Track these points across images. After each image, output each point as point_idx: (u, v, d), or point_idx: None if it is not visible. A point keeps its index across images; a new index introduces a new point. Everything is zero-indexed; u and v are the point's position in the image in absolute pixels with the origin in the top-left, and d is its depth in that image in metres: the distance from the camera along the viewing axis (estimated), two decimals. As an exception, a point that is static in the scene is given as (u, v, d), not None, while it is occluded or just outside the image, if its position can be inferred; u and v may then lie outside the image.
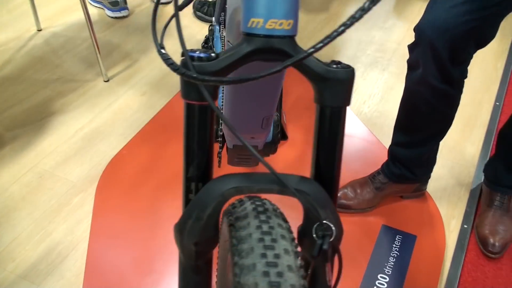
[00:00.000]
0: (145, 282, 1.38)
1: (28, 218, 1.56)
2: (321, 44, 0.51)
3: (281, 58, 0.59)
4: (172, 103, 2.01)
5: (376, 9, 2.79)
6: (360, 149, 1.86)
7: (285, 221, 0.64)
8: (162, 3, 2.72)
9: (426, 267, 1.48)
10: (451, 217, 1.66)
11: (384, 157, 1.63)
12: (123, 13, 2.56)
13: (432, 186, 1.71)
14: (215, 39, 1.61)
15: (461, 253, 1.57)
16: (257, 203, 0.66)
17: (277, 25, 0.57)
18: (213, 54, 0.58)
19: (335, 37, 0.50)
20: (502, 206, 1.59)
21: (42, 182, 1.68)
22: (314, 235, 0.60)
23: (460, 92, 1.32)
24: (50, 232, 1.52)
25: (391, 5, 2.89)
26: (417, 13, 2.80)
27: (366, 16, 2.72)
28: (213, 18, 1.65)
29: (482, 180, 1.74)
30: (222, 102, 1.49)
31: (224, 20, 1.57)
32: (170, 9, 2.68)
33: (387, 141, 1.89)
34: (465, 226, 1.64)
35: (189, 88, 0.59)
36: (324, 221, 0.60)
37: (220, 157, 1.26)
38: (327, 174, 0.63)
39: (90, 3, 2.63)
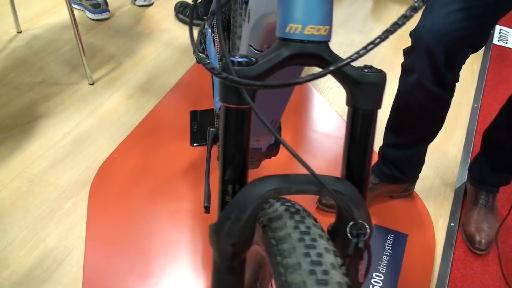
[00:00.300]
0: (145, 286, 1.37)
1: (20, 224, 1.53)
2: (364, 51, 0.53)
3: (317, 63, 0.61)
4: (159, 106, 2.00)
5: (354, 13, 2.85)
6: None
7: (316, 221, 0.66)
8: (144, 5, 2.70)
9: (419, 265, 1.52)
10: (438, 216, 1.71)
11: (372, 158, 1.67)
12: (104, 15, 2.54)
13: (419, 185, 1.76)
14: (207, 42, 1.62)
15: (450, 250, 1.62)
16: (287, 204, 0.68)
17: (315, 30, 0.59)
18: (253, 59, 0.60)
19: (377, 44, 0.52)
20: (487, 204, 1.65)
21: (32, 187, 1.65)
22: (349, 234, 0.62)
23: (452, 95, 1.37)
24: (43, 238, 1.50)
25: (369, 9, 2.95)
26: (394, 16, 2.86)
27: (345, 20, 2.78)
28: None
29: (466, 179, 1.79)
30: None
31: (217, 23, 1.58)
32: (152, 12, 2.67)
33: (375, 142, 1.93)
34: (452, 224, 1.69)
35: (228, 92, 0.60)
36: (359, 220, 0.62)
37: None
38: (358, 174, 0.65)
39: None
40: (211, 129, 1.29)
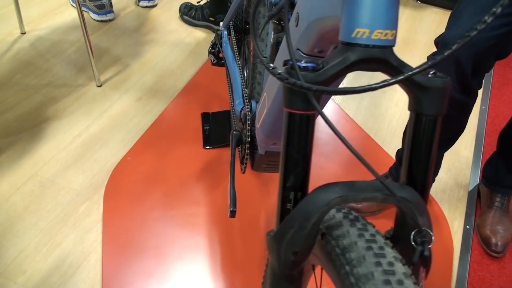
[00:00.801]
0: (165, 291, 1.36)
1: (34, 228, 1.50)
2: (443, 55, 0.52)
3: (383, 68, 0.60)
4: (170, 109, 1.98)
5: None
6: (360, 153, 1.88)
7: (374, 227, 0.65)
8: (148, 6, 2.68)
9: (438, 268, 1.51)
10: (453, 219, 1.71)
11: (385, 161, 1.67)
12: (109, 16, 2.51)
13: (433, 188, 1.76)
14: (224, 44, 1.60)
15: (467, 253, 1.62)
16: (343, 211, 0.67)
17: (382, 35, 0.58)
18: (320, 64, 0.59)
19: (457, 49, 0.51)
20: (502, 206, 1.65)
21: (44, 191, 1.62)
22: (413, 242, 0.61)
23: (475, 101, 1.37)
24: (59, 243, 1.47)
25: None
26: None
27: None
28: (221, 24, 1.65)
29: (479, 181, 1.79)
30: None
31: (235, 25, 1.57)
32: (157, 13, 2.65)
33: (385, 144, 1.93)
34: (467, 226, 1.69)
35: (293, 98, 0.59)
36: (424, 228, 0.61)
37: (245, 163, 1.26)
38: (420, 180, 0.64)
39: (74, 6, 2.56)
40: (234, 132, 1.27)
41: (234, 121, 1.52)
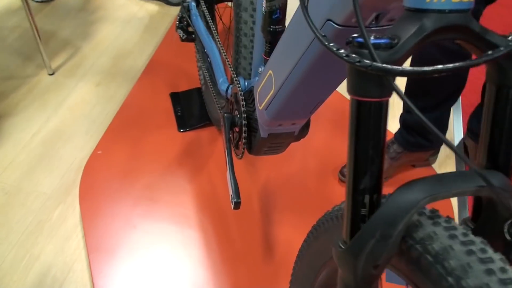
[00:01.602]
0: (166, 294, 1.24)
1: (5, 243, 1.34)
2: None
3: (462, 36, 0.50)
4: (134, 92, 1.82)
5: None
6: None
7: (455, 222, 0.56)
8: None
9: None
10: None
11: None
12: (49, -5, 2.28)
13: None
14: (193, 17, 1.46)
15: (465, 212, 1.59)
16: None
17: (462, -4, 0.47)
18: (395, 40, 0.47)
19: None
20: None
21: (10, 199, 1.45)
22: (507, 235, 0.53)
23: None
24: (37, 256, 1.32)
25: None
26: None
27: None
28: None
29: (464, 135, 1.75)
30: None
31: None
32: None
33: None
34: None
35: (365, 84, 0.48)
36: (518, 218, 0.52)
37: (243, 148, 1.14)
38: (505, 162, 0.55)
39: (7, -13, 2.31)
40: (225, 114, 1.15)
41: (218, 102, 1.39)
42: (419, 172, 1.62)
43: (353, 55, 0.46)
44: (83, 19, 2.20)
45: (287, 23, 1.04)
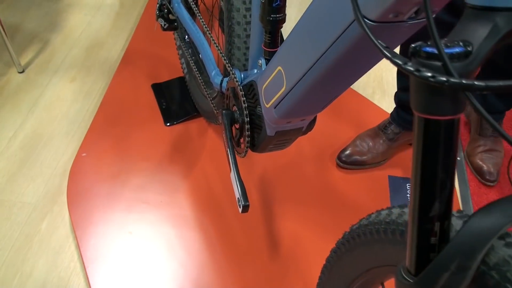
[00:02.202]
0: (173, 304, 1.18)
1: (-7, 262, 1.25)
2: None
3: None
4: (113, 86, 1.71)
5: None
6: (352, 110, 1.71)
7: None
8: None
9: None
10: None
11: (379, 115, 1.55)
12: (8, -15, 2.13)
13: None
14: (175, 4, 1.36)
15: (465, 187, 1.56)
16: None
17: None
18: (469, 47, 0.41)
19: None
20: (494, 133, 1.58)
21: (-7, 213, 1.36)
22: None
23: None
24: (28, 273, 1.24)
25: None
26: None
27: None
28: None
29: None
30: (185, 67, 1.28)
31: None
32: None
33: (374, 98, 1.79)
34: (458, 158, 1.62)
35: (436, 100, 0.41)
36: None
37: (247, 147, 1.07)
38: None
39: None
40: (224, 112, 1.07)
41: (208, 93, 1.31)
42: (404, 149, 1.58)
43: (424, 70, 0.39)
44: (48, 8, 2.07)
45: (287, 11, 0.97)
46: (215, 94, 1.34)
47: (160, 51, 1.83)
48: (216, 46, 1.15)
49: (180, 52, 1.64)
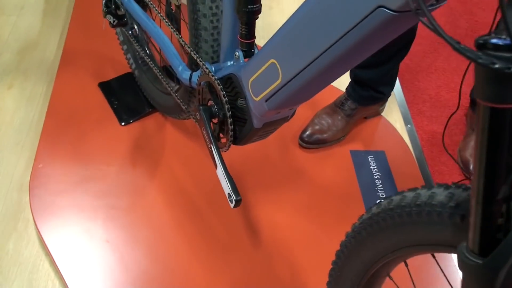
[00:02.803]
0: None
1: (-38, 293, 1.17)
2: None
3: None
4: (57, 90, 1.61)
5: None
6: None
7: None
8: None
9: (408, 176, 1.50)
10: (394, 122, 1.69)
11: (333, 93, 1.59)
12: None
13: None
14: (125, -1, 1.30)
15: (419, 152, 1.63)
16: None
17: None
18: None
19: None
20: None
21: (-50, 241, 1.26)
22: None
23: None
24: (5, 300, 1.16)
25: None
26: None
27: None
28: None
29: (468, 107, 1.73)
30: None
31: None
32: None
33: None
34: (409, 126, 1.69)
35: (505, 89, 0.43)
36: None
37: (230, 141, 1.05)
38: None
39: None
40: (201, 107, 1.05)
41: (177, 93, 1.28)
42: (372, 123, 1.63)
43: (499, 62, 0.41)
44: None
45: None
46: (177, 88, 1.30)
47: (101, 47, 1.75)
48: (182, 41, 1.11)
49: (125, 47, 1.57)
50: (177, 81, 1.32)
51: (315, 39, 0.71)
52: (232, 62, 1.05)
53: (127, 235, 1.27)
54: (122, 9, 1.34)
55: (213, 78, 1.01)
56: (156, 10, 1.18)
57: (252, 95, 0.92)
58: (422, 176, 1.51)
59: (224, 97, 1.00)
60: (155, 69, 1.32)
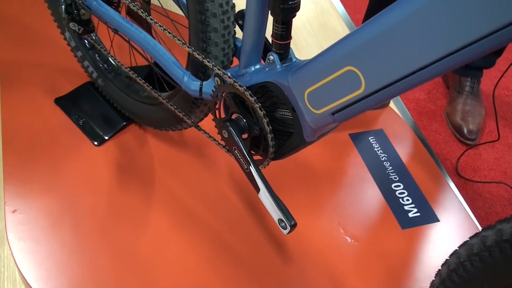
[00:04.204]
0: None
1: None
2: None
3: None
4: (7, 116, 1.36)
5: None
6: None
7: None
8: None
9: (412, 152, 1.44)
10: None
11: None
12: None
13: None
14: (92, 2, 1.08)
15: (412, 124, 1.58)
16: None
17: None
18: None
19: None
20: (473, 91, 1.59)
21: None
22: None
23: None
24: None
25: None
26: None
27: None
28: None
29: None
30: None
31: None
32: None
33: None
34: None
35: None
36: None
37: (270, 157, 0.90)
38: None
39: None
40: (228, 123, 0.90)
41: (172, 102, 1.10)
42: (376, 114, 1.54)
43: None
44: None
45: None
46: (168, 95, 1.13)
47: (47, 56, 1.50)
48: (189, 48, 0.94)
49: (80, 53, 1.35)
50: (168, 85, 1.14)
51: (425, 47, 0.58)
52: (257, 67, 0.90)
53: (135, 280, 1.10)
54: (85, 13, 1.12)
55: (242, 89, 0.86)
56: (146, 15, 0.99)
57: (309, 106, 0.78)
58: (425, 148, 1.45)
59: (261, 110, 0.85)
60: (134, 75, 1.13)
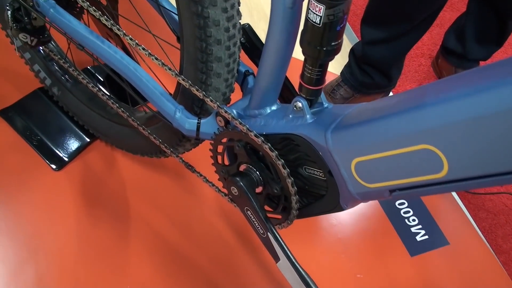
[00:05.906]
0: None
1: None
2: None
3: None
4: None
5: None
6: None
7: None
8: None
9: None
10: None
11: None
12: None
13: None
14: (50, 9, 0.84)
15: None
16: None
17: None
18: None
19: None
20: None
21: None
22: None
23: None
24: None
25: None
26: None
27: None
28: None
29: (438, 53, 1.48)
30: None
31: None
32: None
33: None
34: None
35: None
36: None
37: (292, 218, 0.73)
38: None
39: None
40: (237, 178, 0.72)
41: (153, 130, 0.90)
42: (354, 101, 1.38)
43: None
44: None
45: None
46: (146, 118, 0.93)
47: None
48: (183, 79, 0.74)
49: (28, 55, 1.11)
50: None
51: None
52: (274, 108, 0.72)
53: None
54: (38, 19, 0.89)
55: (259, 140, 0.68)
56: (114, 25, 0.77)
57: (357, 178, 0.61)
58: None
59: (284, 168, 0.68)
60: (89, 81, 0.92)
